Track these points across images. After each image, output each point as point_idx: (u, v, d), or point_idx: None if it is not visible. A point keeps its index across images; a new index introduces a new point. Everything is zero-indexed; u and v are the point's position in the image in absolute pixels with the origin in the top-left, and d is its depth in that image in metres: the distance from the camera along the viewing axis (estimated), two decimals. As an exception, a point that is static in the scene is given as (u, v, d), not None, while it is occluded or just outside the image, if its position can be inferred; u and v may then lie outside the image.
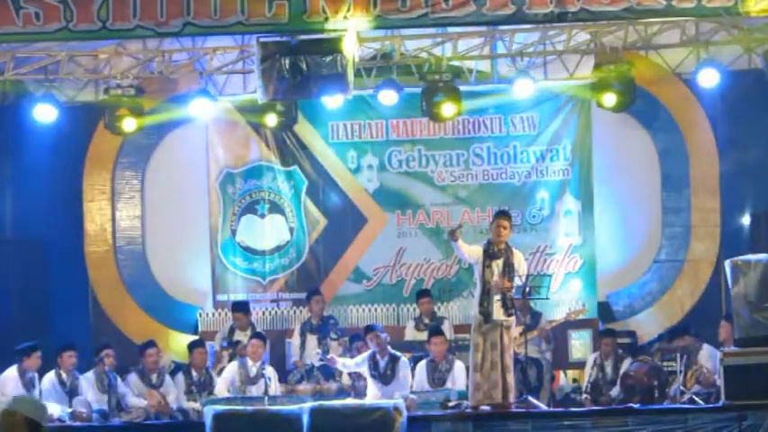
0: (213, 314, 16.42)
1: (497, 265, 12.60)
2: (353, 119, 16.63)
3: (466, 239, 13.09)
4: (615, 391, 13.82)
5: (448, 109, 15.38)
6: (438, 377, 13.82)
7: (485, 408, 12.53)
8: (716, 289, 15.85)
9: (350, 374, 14.32)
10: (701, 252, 16.29)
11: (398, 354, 13.90)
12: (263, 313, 16.37)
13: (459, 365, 13.81)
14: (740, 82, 15.53)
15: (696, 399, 12.93)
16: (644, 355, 14.34)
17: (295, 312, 16.31)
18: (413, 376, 13.84)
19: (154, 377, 14.26)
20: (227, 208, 16.72)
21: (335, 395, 13.99)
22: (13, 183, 16.49)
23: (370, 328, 14.08)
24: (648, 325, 16.14)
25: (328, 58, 12.81)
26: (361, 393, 13.91)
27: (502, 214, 13.05)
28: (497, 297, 12.52)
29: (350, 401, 13.15)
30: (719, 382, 12.58)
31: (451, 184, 16.62)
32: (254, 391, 13.80)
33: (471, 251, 12.74)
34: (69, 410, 13.39)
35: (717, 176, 16.21)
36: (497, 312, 12.52)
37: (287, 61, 12.83)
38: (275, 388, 13.88)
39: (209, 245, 16.71)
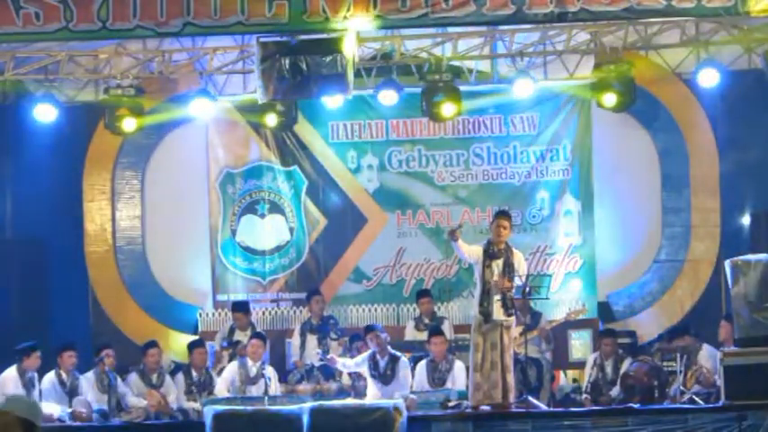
0: (213, 314, 16.41)
1: (497, 265, 12.61)
2: (353, 119, 16.63)
3: (466, 239, 13.09)
4: (615, 391, 13.82)
5: (448, 109, 15.37)
6: (438, 377, 13.82)
7: (485, 408, 12.53)
8: (716, 289, 15.85)
9: (350, 374, 14.32)
10: (700, 252, 16.28)
11: (398, 354, 13.90)
12: (263, 313, 16.37)
13: (459, 365, 13.81)
14: (740, 82, 15.53)
15: (696, 399, 12.93)
16: (644, 355, 14.34)
17: (295, 312, 16.31)
18: (413, 376, 13.84)
19: (154, 377, 14.26)
20: (227, 208, 16.72)
21: (335, 395, 13.99)
22: (13, 183, 16.49)
23: (370, 328, 14.08)
24: (648, 325, 16.14)
25: (328, 58, 12.82)
26: (361, 393, 13.91)
27: (502, 214, 13.05)
28: (497, 297, 12.53)
29: (350, 401, 13.16)
30: (719, 382, 12.59)
31: (451, 184, 16.62)
32: (254, 391, 13.80)
33: (471, 251, 12.74)
34: (69, 410, 13.39)
35: (717, 176, 16.21)
36: (497, 312, 12.53)
37: (287, 61, 12.84)
38: (275, 388, 13.88)
39: (209, 245, 16.71)
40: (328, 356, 14.14)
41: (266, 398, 13.15)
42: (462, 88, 15.55)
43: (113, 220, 16.75)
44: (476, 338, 12.60)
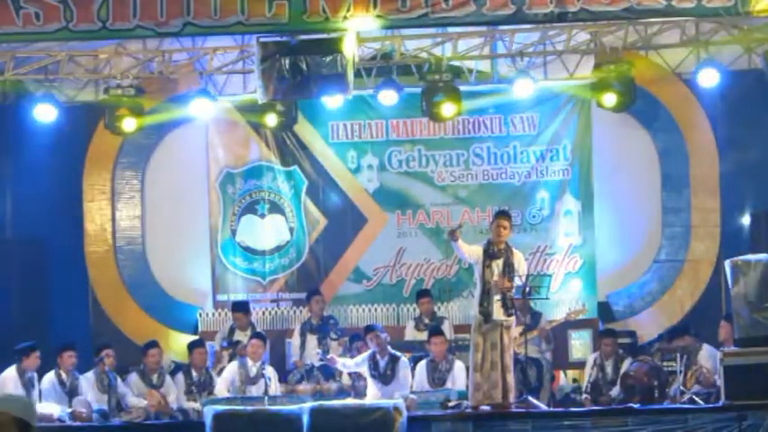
0: (213, 314, 16.41)
1: (497, 265, 12.60)
2: (353, 119, 16.63)
3: (466, 239, 13.09)
4: (615, 391, 13.82)
5: (448, 109, 15.37)
6: (438, 377, 13.82)
7: (485, 408, 12.53)
8: (716, 289, 15.85)
9: (350, 374, 14.32)
10: (701, 252, 16.28)
11: (398, 354, 13.90)
12: (263, 313, 16.37)
13: (459, 365, 13.81)
14: (740, 82, 15.53)
15: (696, 399, 12.92)
16: (644, 355, 14.34)
17: (295, 312, 16.31)
18: (413, 376, 13.84)
19: (155, 377, 14.26)
20: (227, 208, 16.72)
21: (335, 395, 13.99)
22: (13, 183, 16.49)
23: (370, 328, 14.08)
24: (648, 325, 16.14)
25: (328, 58, 12.82)
26: (361, 393, 13.91)
27: (502, 214, 13.05)
28: (497, 297, 12.53)
29: (350, 401, 13.15)
30: (719, 382, 12.58)
31: (451, 184, 16.62)
32: (254, 391, 13.80)
33: (471, 251, 12.74)
34: (69, 410, 13.39)
35: (717, 176, 16.21)
36: (497, 312, 12.53)
37: (287, 61, 12.84)
38: (275, 388, 13.88)
39: (209, 245, 16.71)
40: (328, 356, 14.14)
41: (266, 398, 13.15)
42: (462, 88, 15.55)
43: (113, 220, 16.75)
44: (476, 338, 12.60)
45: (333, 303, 16.30)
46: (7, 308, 15.75)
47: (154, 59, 15.89)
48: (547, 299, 13.95)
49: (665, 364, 13.86)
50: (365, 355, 13.86)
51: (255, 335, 14.51)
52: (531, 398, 13.06)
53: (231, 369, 14.19)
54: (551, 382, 14.83)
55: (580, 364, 15.05)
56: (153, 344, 14.54)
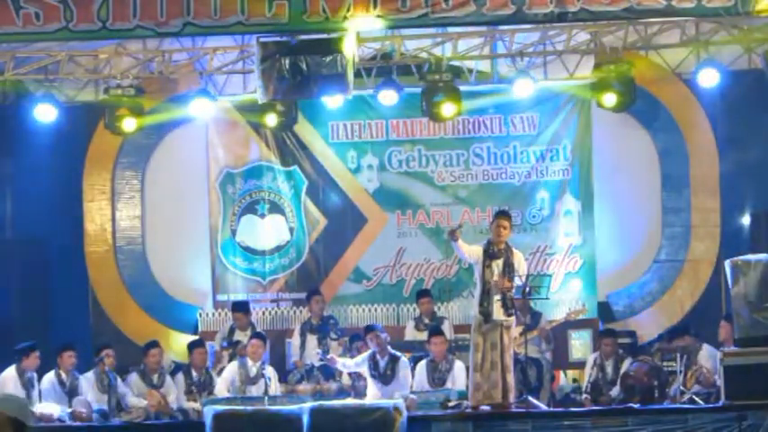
0: (213, 314, 16.41)
1: (497, 265, 12.60)
2: (353, 119, 16.63)
3: (466, 239, 13.09)
4: (615, 391, 13.81)
5: (448, 109, 15.37)
6: (438, 377, 13.82)
7: (485, 408, 12.52)
8: (716, 289, 15.85)
9: (350, 374, 14.32)
10: (701, 252, 16.28)
11: (398, 354, 13.90)
12: (263, 313, 16.37)
13: (459, 365, 13.81)
14: (740, 82, 15.53)
15: (696, 399, 12.92)
16: (644, 355, 14.34)
17: (295, 312, 16.31)
18: (413, 376, 13.83)
19: (155, 377, 14.26)
20: (227, 208, 16.72)
21: (335, 395, 13.99)
22: (14, 183, 16.49)
23: (370, 328, 14.08)
24: (648, 325, 16.14)
25: (328, 58, 12.82)
26: (361, 393, 13.91)
27: (502, 214, 13.05)
28: (497, 297, 12.52)
29: (350, 401, 13.15)
30: (719, 382, 12.58)
31: (451, 184, 16.62)
32: (254, 391, 13.80)
33: (471, 251, 12.74)
34: (69, 410, 13.39)
35: (717, 176, 16.21)
36: (497, 312, 12.52)
37: (287, 61, 12.83)
38: (275, 388, 13.88)
39: (209, 245, 16.71)
40: (328, 356, 14.13)
41: (266, 398, 13.15)
42: (462, 88, 15.55)
43: (113, 220, 16.75)
44: (476, 338, 12.59)
45: (333, 303, 16.30)
46: (7, 308, 15.75)
47: (154, 59, 15.89)
48: (547, 299, 13.94)
49: (665, 364, 13.85)
50: (365, 355, 13.86)
51: (255, 335, 14.51)
52: (531, 398, 13.05)
53: (231, 369, 14.19)
54: (551, 382, 14.83)
55: (580, 364, 15.06)
56: (154, 344, 14.54)
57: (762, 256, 12.81)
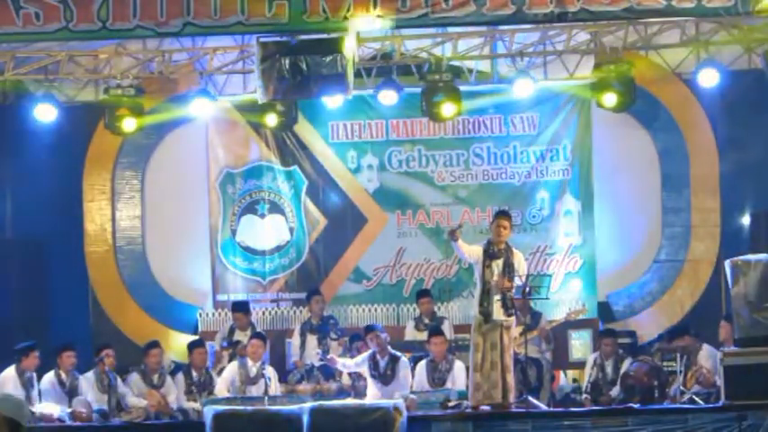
0: (213, 314, 16.42)
1: (497, 265, 12.59)
2: (353, 119, 16.63)
3: (466, 239, 13.08)
4: (615, 391, 13.82)
5: (448, 109, 15.37)
6: (438, 377, 13.82)
7: (485, 408, 12.52)
8: (716, 289, 15.85)
9: (350, 374, 14.31)
10: (701, 252, 16.29)
11: (398, 354, 13.90)
12: (263, 313, 16.37)
13: (459, 365, 13.80)
14: (740, 82, 15.53)
15: (696, 399, 12.92)
16: (644, 355, 14.34)
17: (295, 312, 16.31)
18: (413, 376, 13.83)
19: (155, 377, 14.26)
20: (227, 208, 16.72)
21: (335, 395, 13.99)
22: (13, 183, 16.49)
23: (370, 328, 14.08)
24: (648, 325, 16.14)
25: (328, 58, 12.82)
26: (361, 393, 13.91)
27: (502, 214, 13.04)
28: (497, 297, 12.52)
29: (350, 401, 13.15)
30: (719, 382, 12.58)
31: (451, 184, 16.62)
32: (254, 391, 13.80)
33: (471, 251, 12.73)
34: (69, 410, 13.39)
35: (717, 176, 16.21)
36: (497, 312, 12.52)
37: (287, 61, 12.84)
38: (275, 388, 13.87)
39: (209, 245, 16.71)
40: (328, 356, 14.13)
41: (266, 398, 13.15)
42: (462, 88, 15.55)
43: (113, 220, 16.76)
44: (476, 338, 12.59)
45: (333, 303, 16.30)
46: (7, 308, 15.74)
47: (154, 59, 15.90)
48: (547, 299, 13.92)
49: (665, 364, 13.85)
50: (365, 355, 13.86)
51: (255, 335, 14.51)
52: (531, 398, 13.05)
53: (231, 369, 14.19)
54: (551, 382, 14.82)
55: (580, 364, 15.05)
56: (154, 344, 14.54)
57: (762, 256, 12.80)
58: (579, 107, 16.38)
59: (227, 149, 16.76)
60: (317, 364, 14.79)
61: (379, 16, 12.62)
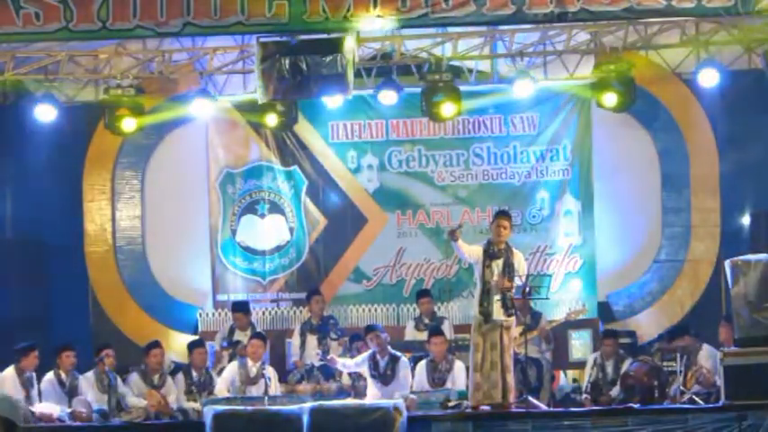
0: (213, 314, 16.42)
1: (497, 265, 12.60)
2: (353, 119, 16.63)
3: (466, 239, 13.08)
4: (615, 391, 13.82)
5: (448, 109, 15.38)
6: (438, 377, 13.82)
7: (485, 408, 12.52)
8: (716, 289, 15.85)
9: (350, 374, 14.31)
10: (700, 252, 16.29)
11: (398, 354, 13.90)
12: (263, 313, 16.37)
13: (459, 365, 13.81)
14: (740, 82, 15.53)
15: (696, 399, 12.93)
16: (644, 355, 14.34)
17: (295, 312, 16.32)
18: (413, 376, 13.83)
19: (156, 377, 14.26)
20: (227, 208, 16.72)
21: (335, 395, 14.00)
22: (14, 183, 16.50)
23: (370, 328, 14.08)
24: (648, 325, 16.14)
25: (328, 58, 12.83)
26: (361, 393, 13.91)
27: (502, 214, 13.04)
28: (497, 297, 12.52)
29: (350, 401, 13.16)
30: (719, 382, 12.58)
31: (451, 184, 16.62)
32: (254, 391, 13.80)
33: (471, 251, 12.74)
34: (69, 410, 13.39)
35: (717, 176, 16.21)
36: (497, 312, 12.53)
37: (287, 61, 12.86)
38: (275, 388, 13.87)
39: (209, 245, 16.71)
40: (328, 356, 14.14)
41: (266, 398, 13.15)
42: (462, 88, 15.56)
43: (113, 220, 16.76)
44: (476, 338, 12.60)
45: (333, 303, 16.30)
46: (7, 308, 15.74)
47: (154, 59, 15.90)
48: (547, 299, 13.92)
49: (665, 364, 13.85)
50: (365, 355, 13.86)
51: (255, 335, 14.51)
52: (531, 398, 13.05)
53: (231, 369, 14.19)
54: (551, 382, 14.82)
55: (580, 364, 15.05)
56: (155, 344, 14.53)
57: (762, 256, 12.81)
58: (579, 107, 16.38)
59: (227, 149, 16.76)
60: (317, 364, 14.79)
61: (379, 16, 12.64)
